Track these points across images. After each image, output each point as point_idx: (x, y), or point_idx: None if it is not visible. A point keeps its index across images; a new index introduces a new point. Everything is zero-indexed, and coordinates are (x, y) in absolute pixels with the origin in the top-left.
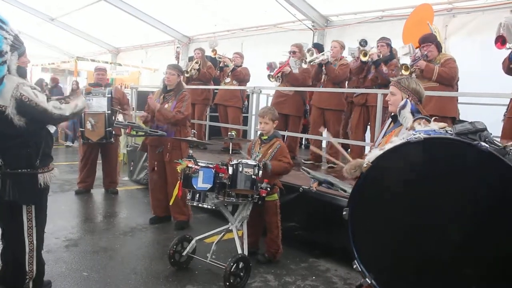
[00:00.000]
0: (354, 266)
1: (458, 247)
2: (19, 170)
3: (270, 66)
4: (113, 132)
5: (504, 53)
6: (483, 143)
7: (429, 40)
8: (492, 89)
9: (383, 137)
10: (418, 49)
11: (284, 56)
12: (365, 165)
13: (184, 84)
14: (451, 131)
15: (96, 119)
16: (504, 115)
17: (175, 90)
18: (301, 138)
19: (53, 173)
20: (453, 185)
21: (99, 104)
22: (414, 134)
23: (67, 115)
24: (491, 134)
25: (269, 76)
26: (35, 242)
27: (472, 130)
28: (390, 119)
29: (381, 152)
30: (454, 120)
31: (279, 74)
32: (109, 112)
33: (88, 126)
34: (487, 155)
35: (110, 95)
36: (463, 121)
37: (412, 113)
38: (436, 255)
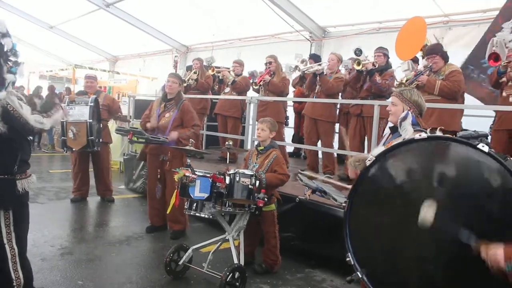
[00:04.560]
0: (347, 259)
1: (453, 248)
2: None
3: (252, 75)
4: (100, 140)
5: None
6: (482, 144)
7: (435, 51)
8: None
9: None
10: (421, 61)
11: (264, 66)
12: (369, 159)
13: (182, 93)
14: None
15: (77, 128)
16: (491, 128)
17: (176, 99)
18: (300, 149)
19: (31, 180)
20: (451, 185)
21: (81, 112)
22: (420, 134)
23: (47, 129)
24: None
25: (253, 83)
26: (15, 247)
27: (474, 135)
28: (388, 131)
29: (386, 148)
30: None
31: (261, 83)
32: (91, 121)
33: (70, 135)
34: (485, 154)
35: (92, 104)
36: (467, 130)
37: (412, 125)
38: (430, 255)
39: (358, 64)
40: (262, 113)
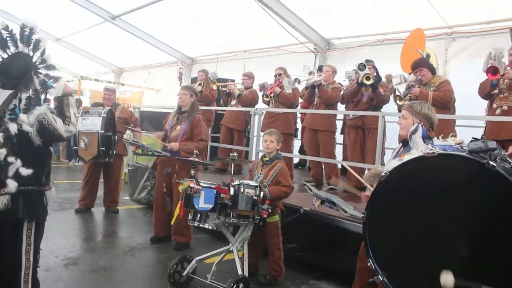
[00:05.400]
0: (369, 264)
1: (464, 256)
2: (30, 187)
3: (263, 87)
4: (114, 152)
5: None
6: (491, 162)
7: (421, 64)
8: None
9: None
10: (410, 74)
11: (268, 78)
12: (384, 174)
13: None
14: (466, 147)
15: (89, 138)
16: (482, 137)
17: (189, 111)
18: (305, 160)
19: (52, 191)
20: (462, 199)
21: (93, 123)
22: (431, 149)
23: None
24: (504, 152)
25: (264, 95)
26: (31, 259)
27: (484, 148)
28: (400, 144)
29: (399, 163)
30: None
31: (272, 95)
32: (103, 131)
33: (82, 145)
34: (493, 173)
35: (105, 115)
36: (477, 139)
37: (423, 138)
38: (444, 262)
39: (368, 78)
40: (271, 124)
